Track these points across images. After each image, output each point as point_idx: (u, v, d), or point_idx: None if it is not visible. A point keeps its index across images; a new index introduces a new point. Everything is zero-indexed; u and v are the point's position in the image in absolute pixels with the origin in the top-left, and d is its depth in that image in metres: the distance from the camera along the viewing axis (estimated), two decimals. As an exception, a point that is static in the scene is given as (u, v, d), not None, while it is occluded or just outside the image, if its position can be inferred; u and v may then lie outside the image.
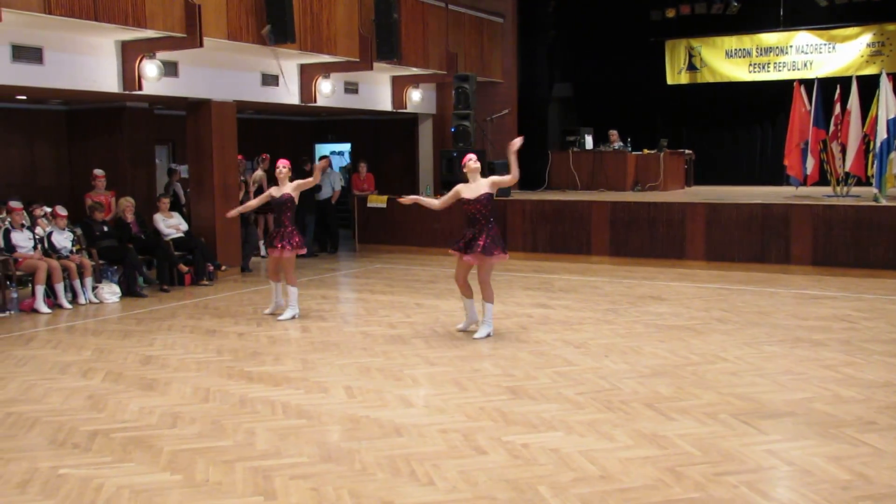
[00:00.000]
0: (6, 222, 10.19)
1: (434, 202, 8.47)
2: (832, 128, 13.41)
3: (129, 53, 10.70)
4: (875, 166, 12.50)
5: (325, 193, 15.11)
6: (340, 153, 20.63)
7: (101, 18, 9.32)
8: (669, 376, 6.62)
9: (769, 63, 18.32)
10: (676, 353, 7.41)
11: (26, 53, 9.79)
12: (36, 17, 8.85)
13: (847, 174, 13.26)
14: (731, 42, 18.72)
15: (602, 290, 10.85)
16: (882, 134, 12.26)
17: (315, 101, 13.78)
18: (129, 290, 10.83)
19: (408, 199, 8.60)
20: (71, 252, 10.42)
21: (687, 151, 17.84)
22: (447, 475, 4.63)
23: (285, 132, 19.45)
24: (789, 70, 17.99)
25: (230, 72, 12.44)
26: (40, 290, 9.79)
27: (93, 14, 9.21)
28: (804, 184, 13.92)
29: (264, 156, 14.22)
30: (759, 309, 9.45)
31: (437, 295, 10.68)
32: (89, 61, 10.49)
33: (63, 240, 10.46)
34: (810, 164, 13.53)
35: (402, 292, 10.94)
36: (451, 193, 8.20)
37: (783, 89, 15.93)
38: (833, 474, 4.57)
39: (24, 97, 13.07)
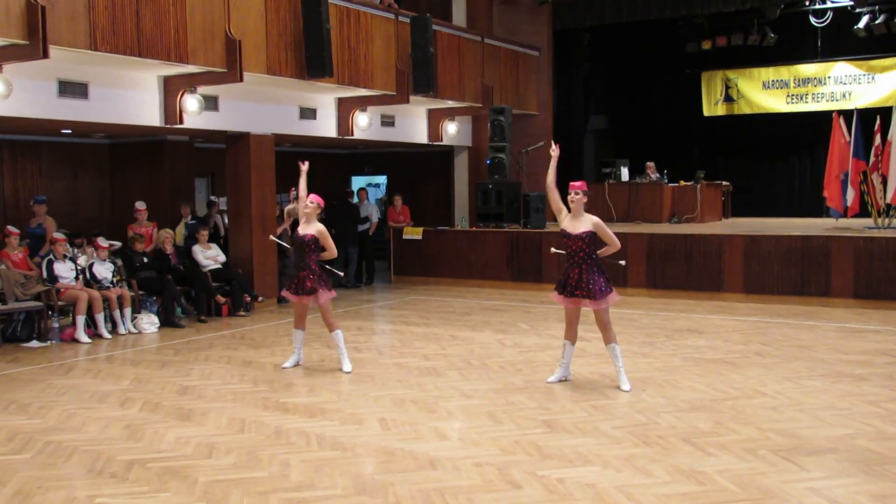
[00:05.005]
0: (49, 253, 10.40)
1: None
2: (872, 159, 13.27)
3: (171, 88, 10.94)
4: (917, 198, 12.34)
5: (364, 224, 15.18)
6: (377, 185, 20.80)
7: (145, 54, 9.55)
8: (708, 411, 6.52)
9: (807, 94, 18.20)
10: (715, 387, 7.30)
11: (72, 88, 10.05)
12: (82, 53, 9.10)
13: (888, 206, 13.07)
14: (769, 73, 18.64)
15: (639, 323, 10.75)
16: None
17: (352, 134, 13.93)
18: (168, 321, 10.97)
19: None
20: (111, 283, 10.59)
21: (724, 183, 17.72)
22: (482, 509, 4.59)
23: (322, 165, 19.64)
24: (828, 101, 17.85)
25: (269, 106, 12.65)
26: (81, 320, 9.95)
27: (137, 50, 9.44)
28: (844, 215, 13.75)
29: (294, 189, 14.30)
30: (800, 343, 9.29)
31: (473, 327, 10.66)
32: (133, 96, 10.73)
33: (104, 270, 10.63)
34: (850, 195, 13.37)
35: (437, 324, 10.93)
36: None
37: (821, 120, 15.81)
38: (878, 513, 4.46)
39: (70, 131, 13.38)
